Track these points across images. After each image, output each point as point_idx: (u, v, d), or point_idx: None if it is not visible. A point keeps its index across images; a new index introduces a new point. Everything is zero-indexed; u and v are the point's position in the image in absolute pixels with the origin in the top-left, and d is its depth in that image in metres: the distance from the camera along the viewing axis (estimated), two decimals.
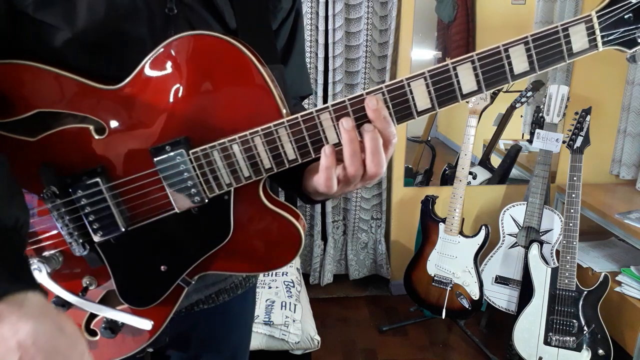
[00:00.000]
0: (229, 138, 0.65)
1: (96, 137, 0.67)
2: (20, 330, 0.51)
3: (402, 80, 0.63)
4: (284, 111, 0.65)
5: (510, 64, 0.63)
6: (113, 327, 0.74)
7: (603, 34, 0.62)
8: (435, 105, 0.64)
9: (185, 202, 0.68)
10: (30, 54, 0.67)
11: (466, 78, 0.63)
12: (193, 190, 0.67)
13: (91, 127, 0.67)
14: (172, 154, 0.65)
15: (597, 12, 0.61)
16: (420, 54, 2.79)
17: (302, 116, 0.64)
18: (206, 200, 0.68)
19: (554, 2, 2.73)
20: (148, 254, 0.71)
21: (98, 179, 0.66)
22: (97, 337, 0.76)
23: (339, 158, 0.65)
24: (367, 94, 0.63)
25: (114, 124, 0.66)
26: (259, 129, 0.64)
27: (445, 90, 0.64)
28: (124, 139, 0.67)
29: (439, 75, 0.63)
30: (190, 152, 0.65)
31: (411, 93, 0.64)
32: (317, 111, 0.64)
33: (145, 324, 0.72)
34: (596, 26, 0.62)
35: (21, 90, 0.65)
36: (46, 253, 0.71)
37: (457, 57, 0.63)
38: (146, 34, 0.68)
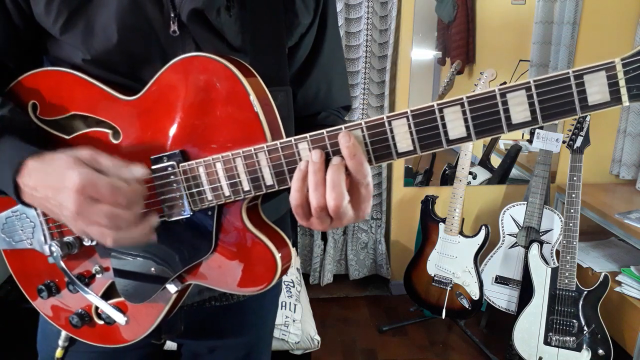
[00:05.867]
0: (214, 156, 0.67)
1: (113, 141, 0.73)
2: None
3: (382, 118, 0.60)
4: (269, 135, 0.65)
5: (507, 111, 0.55)
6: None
7: (630, 85, 0.52)
8: (417, 148, 0.59)
9: (173, 212, 0.71)
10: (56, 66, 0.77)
11: (454, 122, 0.57)
12: (180, 202, 0.70)
13: (110, 132, 0.74)
14: (165, 164, 0.70)
15: (622, 59, 0.52)
16: (420, 54, 2.79)
17: (281, 143, 0.63)
18: (191, 213, 0.71)
19: (554, 2, 2.73)
20: (142, 254, 0.75)
21: None
22: (103, 322, 0.82)
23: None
24: (346, 128, 0.61)
25: (127, 131, 0.73)
26: (240, 150, 0.65)
27: (428, 134, 0.58)
28: (133, 146, 0.72)
29: (423, 116, 0.58)
30: (180, 165, 0.69)
31: (392, 132, 0.59)
32: (295, 140, 0.63)
33: (120, 318, 0.78)
34: (620, 75, 0.52)
35: (62, 94, 0.75)
36: (66, 238, 0.78)
37: (445, 100, 0.57)
38: (155, 54, 0.73)
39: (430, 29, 2.80)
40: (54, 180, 0.63)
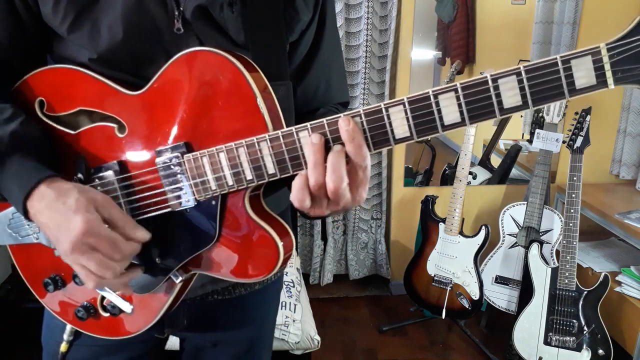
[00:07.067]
0: (217, 147, 0.69)
1: (118, 135, 0.76)
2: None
3: (379, 106, 0.62)
4: (271, 126, 0.67)
5: (499, 96, 0.58)
6: (114, 306, 0.83)
7: (615, 69, 0.54)
8: (413, 134, 0.62)
9: (177, 202, 0.73)
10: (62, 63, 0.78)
11: (449, 108, 0.60)
12: (184, 191, 0.72)
13: (116, 127, 0.75)
14: (170, 156, 0.72)
15: (607, 44, 0.54)
16: (420, 54, 2.79)
17: (282, 132, 0.66)
18: (194, 203, 0.73)
19: (554, 2, 2.73)
20: (148, 244, 0.76)
21: (111, 172, 0.76)
22: (108, 314, 0.84)
23: None
24: (345, 116, 0.63)
25: (132, 125, 0.75)
26: (243, 141, 0.67)
27: (424, 119, 0.61)
28: (138, 139, 0.74)
29: (419, 102, 0.61)
30: (185, 156, 0.71)
31: (389, 119, 0.62)
32: (296, 129, 0.65)
33: (126, 307, 0.80)
34: (606, 59, 0.54)
35: (69, 90, 0.77)
36: None
37: (440, 87, 0.60)
38: (159, 52, 0.75)
39: (430, 29, 2.80)
40: (60, 218, 0.66)
